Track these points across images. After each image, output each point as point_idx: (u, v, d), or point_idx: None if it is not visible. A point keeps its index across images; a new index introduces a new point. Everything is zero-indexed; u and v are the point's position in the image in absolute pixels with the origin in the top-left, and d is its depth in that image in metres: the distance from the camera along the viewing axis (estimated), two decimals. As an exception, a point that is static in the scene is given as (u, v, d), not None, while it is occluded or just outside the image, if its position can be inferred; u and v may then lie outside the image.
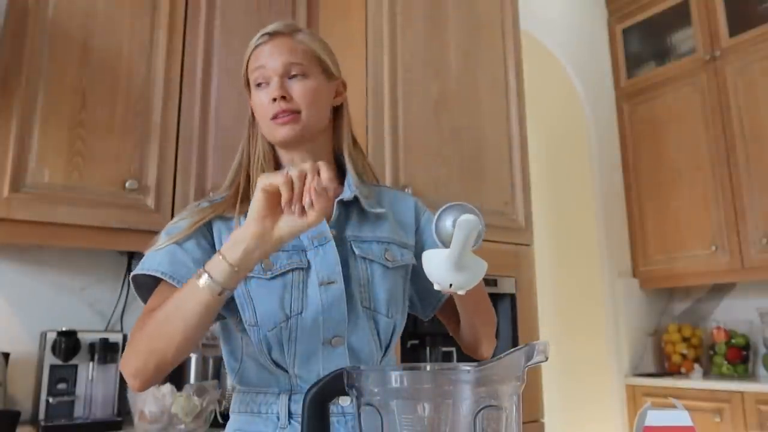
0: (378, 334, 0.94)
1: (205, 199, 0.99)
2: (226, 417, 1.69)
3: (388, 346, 0.97)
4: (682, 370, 3.11)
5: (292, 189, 0.72)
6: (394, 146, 1.93)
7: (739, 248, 2.93)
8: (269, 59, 0.93)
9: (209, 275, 0.76)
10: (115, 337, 1.76)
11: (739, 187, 2.95)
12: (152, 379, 0.84)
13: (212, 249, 0.89)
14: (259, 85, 0.94)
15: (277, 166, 0.98)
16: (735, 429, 2.60)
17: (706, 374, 3.10)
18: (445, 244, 0.71)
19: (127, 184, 1.72)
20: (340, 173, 1.00)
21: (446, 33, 2.16)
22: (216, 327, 0.98)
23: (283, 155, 0.98)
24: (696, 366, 3.06)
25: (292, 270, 0.89)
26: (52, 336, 1.72)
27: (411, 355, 1.87)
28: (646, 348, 3.26)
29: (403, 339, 1.84)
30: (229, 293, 0.78)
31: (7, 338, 1.77)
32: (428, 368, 0.68)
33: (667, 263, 3.20)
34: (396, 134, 1.94)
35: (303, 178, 0.73)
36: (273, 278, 0.88)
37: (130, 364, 0.83)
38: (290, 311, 0.88)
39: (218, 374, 1.78)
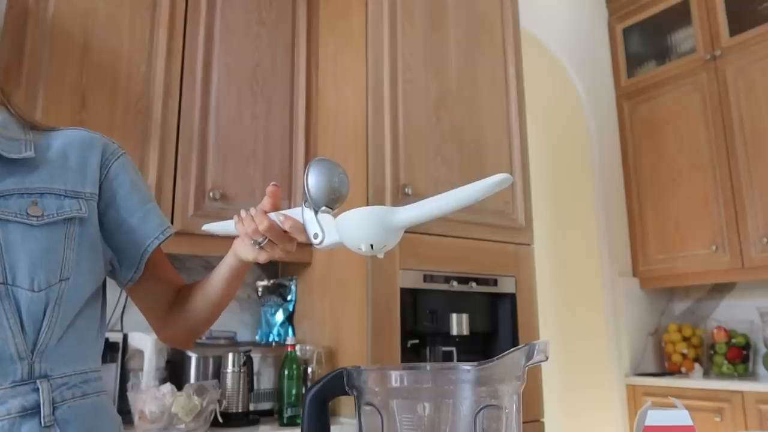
0: (19, 314, 0.75)
1: None
2: (225, 417, 1.70)
3: (39, 329, 0.76)
4: (683, 369, 3.11)
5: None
6: (394, 146, 1.93)
7: (739, 248, 2.93)
8: None
9: None
10: (116, 337, 1.76)
11: (739, 187, 2.95)
12: None
13: None
14: None
15: None
16: (735, 428, 2.60)
17: (707, 374, 3.10)
18: (315, 202, 0.77)
19: (127, 184, 1.72)
20: None
21: (446, 32, 2.16)
22: None
23: None
24: (696, 366, 3.06)
25: None
26: (52, 336, 1.72)
27: (411, 355, 1.87)
28: (647, 347, 3.26)
29: (403, 339, 1.84)
30: None
31: (7, 338, 1.76)
32: (428, 368, 0.68)
33: (668, 263, 3.20)
34: (396, 134, 1.94)
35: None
36: None
37: None
38: None
39: (218, 374, 1.78)
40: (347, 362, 1.85)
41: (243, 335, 2.14)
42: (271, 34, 2.10)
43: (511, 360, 0.56)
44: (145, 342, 1.75)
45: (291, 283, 2.15)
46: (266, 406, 1.87)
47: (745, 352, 3.00)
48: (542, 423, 2.04)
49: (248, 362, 1.79)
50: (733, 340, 3.03)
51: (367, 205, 1.77)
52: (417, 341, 1.90)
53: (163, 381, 1.73)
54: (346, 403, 1.84)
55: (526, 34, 3.01)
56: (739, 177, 2.96)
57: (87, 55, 1.74)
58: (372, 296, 1.79)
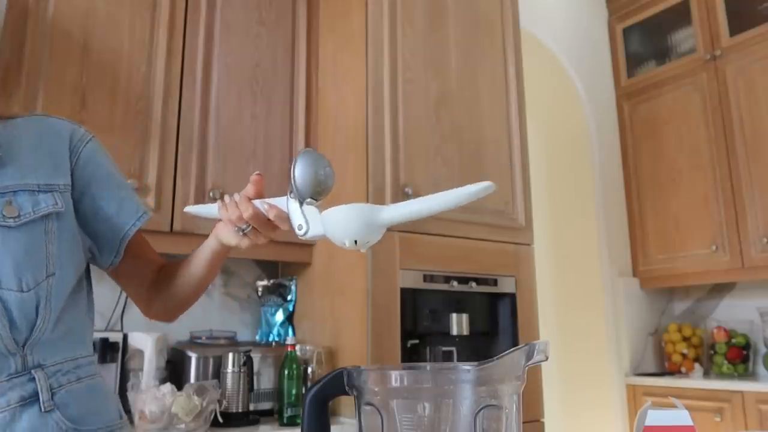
0: (9, 315, 0.75)
1: None
2: (225, 417, 1.70)
3: (33, 326, 0.77)
4: (683, 369, 3.11)
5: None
6: (394, 146, 1.93)
7: (739, 248, 2.93)
8: None
9: None
10: (115, 337, 1.76)
11: (739, 186, 2.95)
12: None
13: None
14: None
15: None
16: (735, 428, 2.60)
17: (707, 374, 3.09)
18: (301, 193, 0.78)
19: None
20: None
21: (446, 32, 2.16)
22: None
23: None
24: (696, 365, 3.06)
25: None
26: (52, 336, 1.72)
27: (411, 355, 1.87)
28: (647, 347, 3.26)
29: (403, 339, 1.84)
30: None
31: (7, 338, 1.76)
32: (428, 368, 0.68)
33: (667, 263, 3.20)
34: (396, 134, 1.94)
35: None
36: None
37: None
38: None
39: (218, 374, 1.78)
40: (347, 362, 1.85)
41: (243, 335, 2.14)
42: (271, 34, 2.10)
43: (511, 360, 0.56)
44: (145, 342, 1.75)
45: (291, 283, 2.15)
46: (266, 406, 1.87)
47: (745, 352, 3.00)
48: (542, 423, 2.04)
49: (248, 362, 1.79)
50: (733, 340, 3.03)
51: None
52: (417, 341, 1.90)
53: (163, 381, 1.73)
54: (346, 403, 1.84)
55: (526, 33, 3.01)
56: (739, 177, 2.95)
57: (87, 54, 1.74)
58: (372, 296, 1.79)
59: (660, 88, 3.35)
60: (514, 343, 2.05)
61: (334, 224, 0.74)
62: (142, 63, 1.82)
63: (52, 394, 0.78)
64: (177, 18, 1.91)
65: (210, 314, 2.10)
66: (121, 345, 1.76)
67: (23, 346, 0.77)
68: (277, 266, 2.28)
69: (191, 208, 0.94)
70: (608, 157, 3.40)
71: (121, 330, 1.89)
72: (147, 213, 0.94)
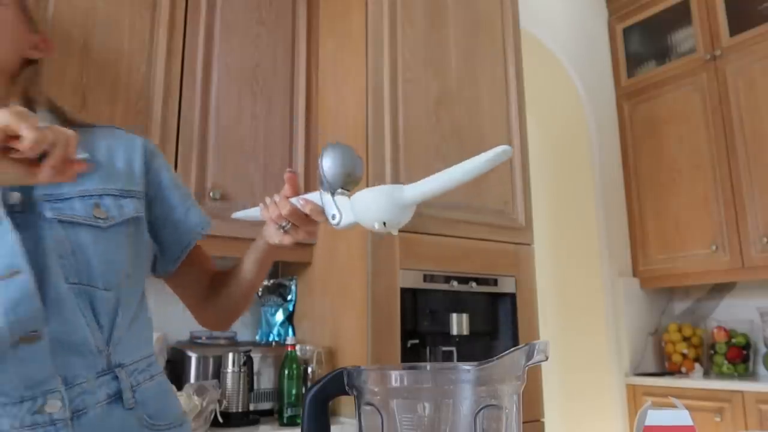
0: (94, 313, 0.79)
1: None
2: (225, 416, 1.70)
3: (113, 325, 0.81)
4: (683, 369, 3.11)
5: (39, 142, 0.61)
6: (394, 146, 1.93)
7: (739, 248, 2.93)
8: None
9: None
10: (115, 337, 1.76)
11: (739, 186, 2.95)
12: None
13: None
14: None
15: None
16: (735, 428, 2.60)
17: (707, 374, 3.09)
18: (331, 185, 0.80)
19: (127, 184, 1.72)
20: None
21: (446, 32, 2.16)
22: None
23: None
24: (696, 365, 3.06)
25: None
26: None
27: (411, 355, 1.87)
28: (647, 347, 3.26)
29: (403, 339, 1.84)
30: None
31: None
32: (428, 368, 0.68)
33: (667, 263, 3.20)
34: (396, 134, 1.94)
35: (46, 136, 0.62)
36: None
37: None
38: None
39: (218, 374, 1.78)
40: (347, 362, 1.85)
41: (243, 335, 2.14)
42: (271, 34, 2.10)
43: (511, 360, 0.56)
44: (145, 342, 1.75)
45: (291, 283, 2.15)
46: (266, 406, 1.87)
47: (745, 352, 3.00)
48: (542, 423, 2.04)
49: (248, 362, 1.79)
50: (733, 340, 3.03)
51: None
52: (417, 341, 1.90)
53: (163, 381, 1.73)
54: (346, 403, 1.84)
55: (526, 34, 3.01)
56: (739, 177, 2.96)
57: (87, 54, 1.74)
58: (372, 296, 1.79)
59: (660, 88, 3.35)
60: (514, 343, 2.05)
61: (363, 208, 0.76)
62: (142, 63, 1.82)
63: (133, 392, 0.83)
64: (177, 18, 1.91)
65: (210, 314, 2.09)
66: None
67: (108, 345, 0.81)
68: (278, 266, 2.28)
69: (239, 214, 1.00)
70: (608, 157, 3.40)
71: (121, 330, 1.89)
72: (210, 222, 1.01)
